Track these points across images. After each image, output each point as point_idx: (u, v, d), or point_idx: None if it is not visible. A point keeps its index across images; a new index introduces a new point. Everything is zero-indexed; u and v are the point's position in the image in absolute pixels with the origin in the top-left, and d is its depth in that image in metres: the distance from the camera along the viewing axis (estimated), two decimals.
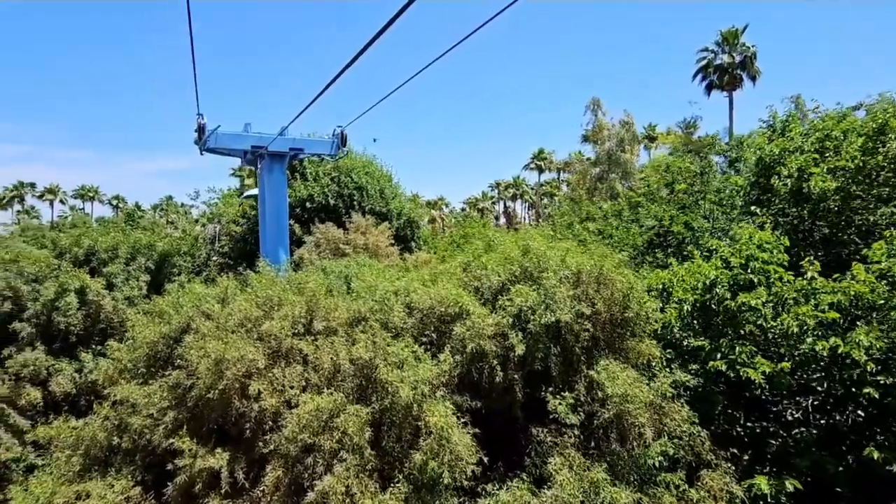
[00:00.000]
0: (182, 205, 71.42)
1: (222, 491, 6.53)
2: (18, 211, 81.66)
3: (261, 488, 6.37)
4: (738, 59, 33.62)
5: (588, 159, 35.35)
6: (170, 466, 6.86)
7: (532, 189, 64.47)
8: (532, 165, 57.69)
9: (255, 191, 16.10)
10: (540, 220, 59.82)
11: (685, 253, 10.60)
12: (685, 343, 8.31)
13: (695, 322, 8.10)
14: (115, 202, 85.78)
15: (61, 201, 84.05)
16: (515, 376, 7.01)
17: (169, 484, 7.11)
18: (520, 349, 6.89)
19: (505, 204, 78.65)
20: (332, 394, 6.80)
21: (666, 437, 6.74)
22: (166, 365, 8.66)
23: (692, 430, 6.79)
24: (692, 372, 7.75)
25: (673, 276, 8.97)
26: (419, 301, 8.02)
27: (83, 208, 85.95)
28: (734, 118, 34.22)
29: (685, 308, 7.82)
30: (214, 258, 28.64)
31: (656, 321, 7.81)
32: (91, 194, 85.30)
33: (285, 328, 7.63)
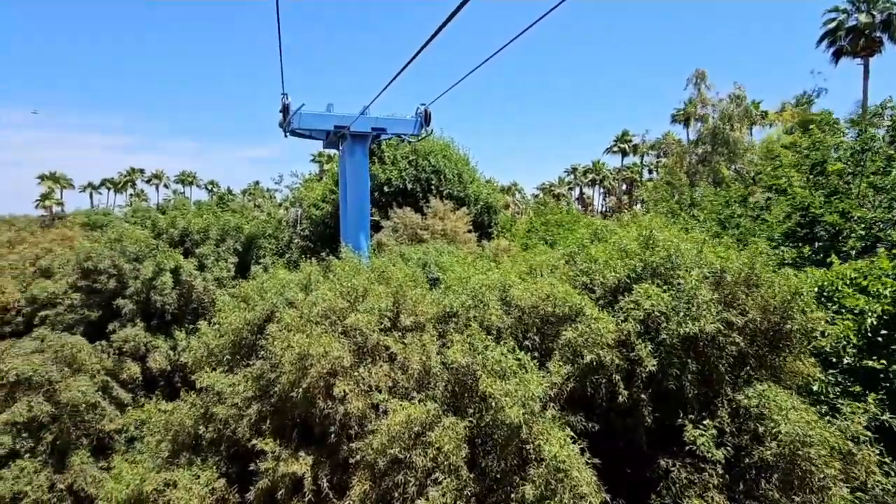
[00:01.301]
0: (267, 189, 75.34)
1: (306, 499, 5.99)
2: (131, 194, 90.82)
3: (347, 502, 5.72)
4: (878, 18, 28.37)
5: (679, 141, 31.97)
6: (252, 466, 6.44)
7: (612, 174, 60.35)
8: (615, 148, 53.82)
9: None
10: (622, 207, 56.07)
11: (845, 248, 8.58)
12: (858, 364, 6.54)
13: (878, 338, 6.30)
14: (210, 186, 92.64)
15: (165, 185, 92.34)
16: (642, 396, 5.76)
17: (253, 478, 6.75)
18: (650, 364, 5.62)
19: (581, 190, 74.88)
20: (423, 402, 5.98)
21: (847, 490, 5.20)
22: (250, 353, 8.37)
23: (886, 484, 5.18)
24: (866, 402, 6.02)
25: (836, 277, 7.15)
26: (520, 298, 6.96)
27: (183, 192, 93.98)
28: (869, 88, 29.11)
29: (868, 321, 6.06)
30: (296, 241, 29.51)
31: (824, 335, 6.15)
32: (190, 179, 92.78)
33: (372, 322, 6.91)
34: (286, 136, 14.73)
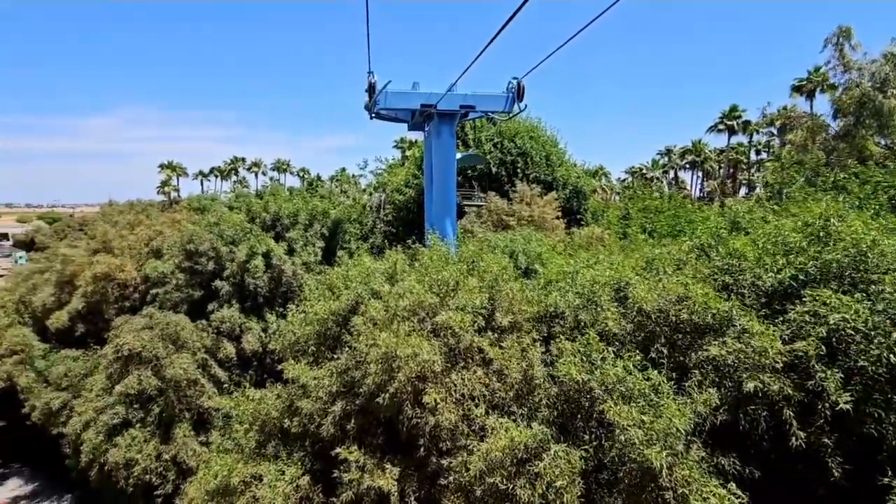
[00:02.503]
0: (352, 175, 77.95)
1: None
2: (234, 181, 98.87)
3: None
4: None
5: (810, 114, 27.31)
6: (336, 473, 5.95)
7: (714, 155, 54.11)
8: (721, 126, 48.02)
9: (466, 152, 15.12)
10: (725, 192, 50.39)
11: None
12: None
13: None
14: (301, 174, 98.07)
15: (262, 173, 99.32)
16: (826, 440, 4.35)
17: (336, 480, 6.30)
18: (840, 399, 4.19)
19: (675, 174, 68.49)
20: (528, 422, 5.04)
21: None
22: (335, 344, 7.97)
23: None
24: None
25: None
26: (643, 300, 5.72)
27: (278, 179, 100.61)
28: None
29: None
30: (379, 226, 29.79)
31: None
32: (284, 167, 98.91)
33: (465, 322, 6.07)
34: (371, 117, 14.34)
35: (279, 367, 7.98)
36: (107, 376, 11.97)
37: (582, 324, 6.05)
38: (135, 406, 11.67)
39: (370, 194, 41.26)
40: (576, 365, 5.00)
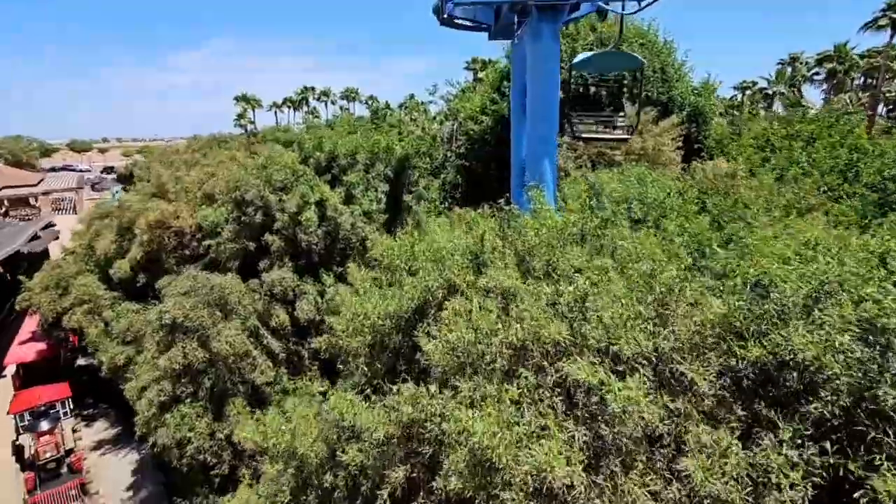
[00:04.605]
0: (421, 102, 73.84)
1: None
2: (305, 111, 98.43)
3: None
4: None
5: None
6: None
7: (865, 59, 42.76)
8: (883, 21, 37.28)
9: (585, 55, 10.90)
10: (866, 107, 40.70)
11: None
12: None
13: None
14: (370, 101, 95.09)
15: (332, 102, 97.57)
16: None
17: None
18: None
19: (799, 87, 56.58)
20: None
21: None
22: (397, 359, 5.53)
23: None
24: None
25: None
26: None
27: (348, 108, 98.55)
28: None
29: None
30: (451, 159, 26.66)
31: None
32: (353, 95, 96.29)
33: (635, 396, 3.18)
34: (441, 21, 10.84)
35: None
36: (154, 344, 10.71)
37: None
38: (183, 380, 10.39)
39: (441, 123, 37.61)
40: None
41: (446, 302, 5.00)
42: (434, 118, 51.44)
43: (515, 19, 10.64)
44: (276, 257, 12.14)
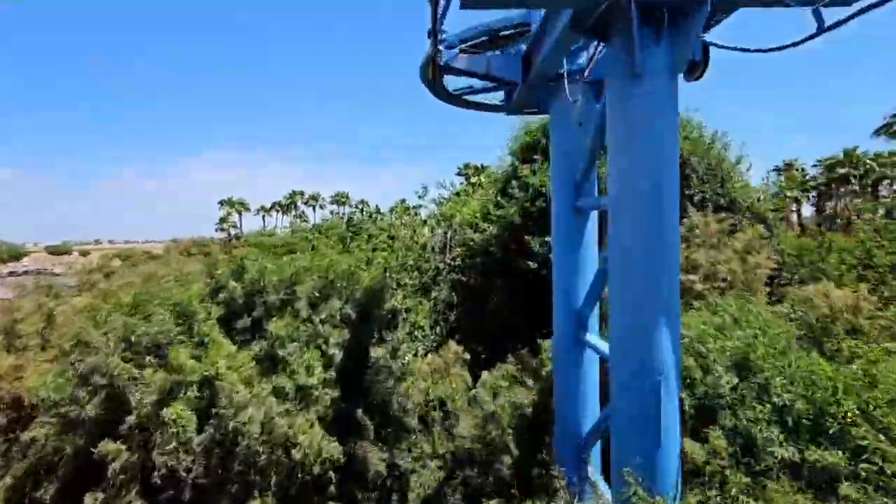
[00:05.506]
0: (408, 207, 71.81)
1: None
2: (293, 215, 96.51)
3: None
4: None
5: None
6: None
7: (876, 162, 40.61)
8: None
9: None
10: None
11: None
12: None
13: None
14: (360, 206, 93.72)
15: (321, 206, 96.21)
16: None
17: None
18: None
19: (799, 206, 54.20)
20: None
21: None
22: None
23: None
24: None
25: None
26: None
27: (338, 212, 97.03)
28: None
29: None
30: (444, 272, 21.73)
31: None
32: (343, 199, 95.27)
33: None
34: (433, 90, 6.37)
35: None
36: None
37: None
38: None
39: (431, 229, 33.59)
40: None
41: None
42: (425, 222, 47.63)
43: (564, 68, 6.08)
44: (114, 491, 6.25)
